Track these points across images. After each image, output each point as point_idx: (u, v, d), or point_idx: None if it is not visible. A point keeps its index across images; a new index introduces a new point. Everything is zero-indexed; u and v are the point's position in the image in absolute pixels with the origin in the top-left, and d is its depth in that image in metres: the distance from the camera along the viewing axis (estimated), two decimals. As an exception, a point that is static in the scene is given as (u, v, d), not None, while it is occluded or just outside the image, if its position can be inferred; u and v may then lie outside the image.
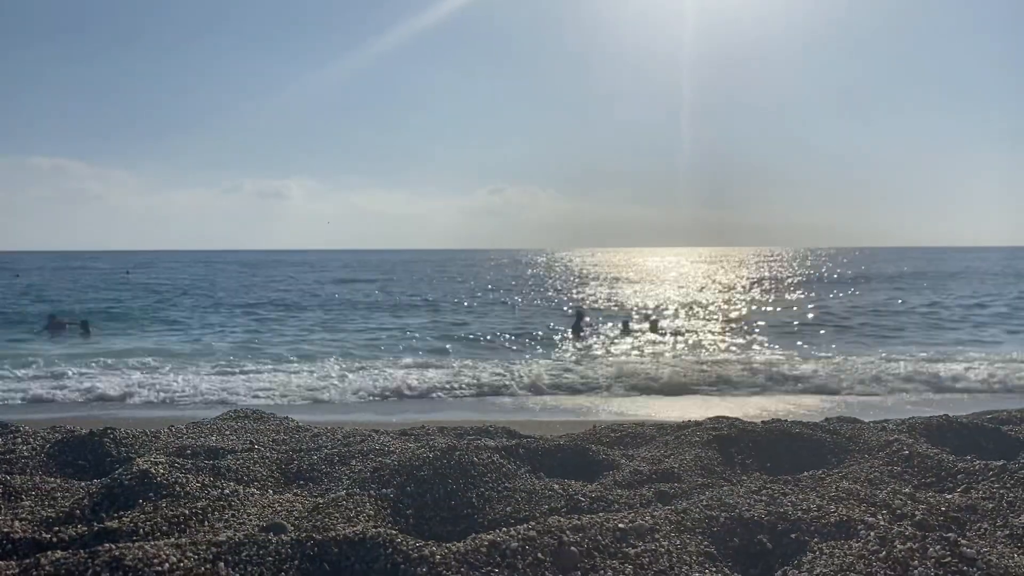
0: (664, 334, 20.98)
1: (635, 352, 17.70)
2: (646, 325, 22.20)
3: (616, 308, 28.38)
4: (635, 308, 28.24)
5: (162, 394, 12.29)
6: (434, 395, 12.43)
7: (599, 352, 17.63)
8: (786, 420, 3.28)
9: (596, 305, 30.37)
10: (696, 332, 21.14)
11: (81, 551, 1.73)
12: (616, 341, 19.59)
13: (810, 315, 26.10)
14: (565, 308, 28.92)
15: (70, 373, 13.81)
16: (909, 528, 2.00)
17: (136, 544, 1.76)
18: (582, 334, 20.53)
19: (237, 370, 14.58)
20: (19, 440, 3.01)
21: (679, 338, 20.18)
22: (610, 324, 22.90)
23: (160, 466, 2.42)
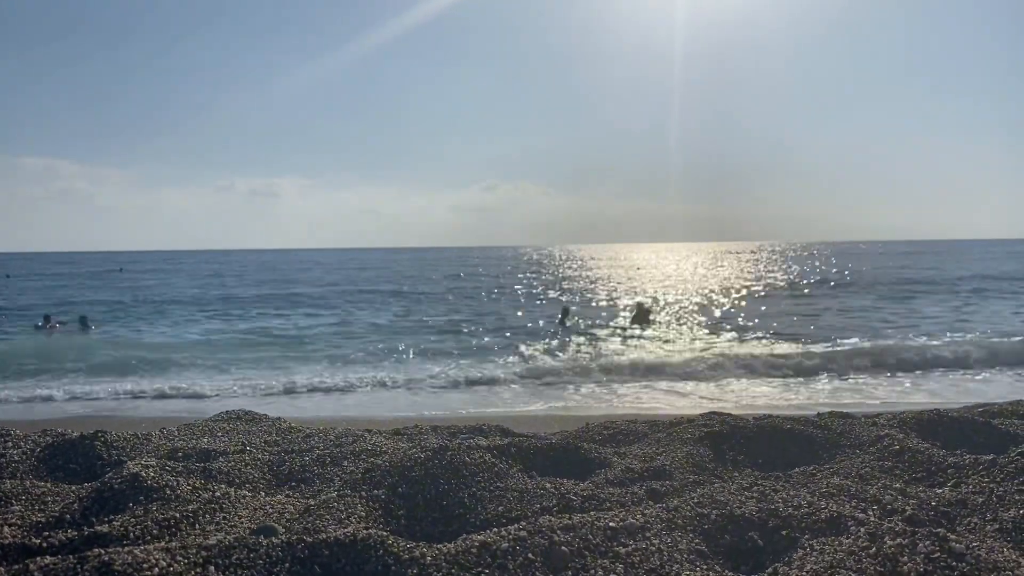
0: (652, 325, 21.08)
1: (625, 343, 17.75)
2: (651, 317, 22.29)
3: (629, 304, 28.22)
4: (634, 302, 28.23)
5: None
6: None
7: (588, 344, 17.68)
8: (778, 416, 3.28)
9: (603, 301, 30.29)
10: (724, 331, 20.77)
11: (70, 556, 1.73)
12: (602, 333, 19.68)
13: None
14: (554, 297, 28.98)
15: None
16: (899, 524, 2.00)
17: (126, 549, 1.75)
18: (567, 327, 20.97)
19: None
20: (9, 444, 2.99)
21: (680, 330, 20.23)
22: (605, 316, 23.02)
23: (151, 469, 2.41)
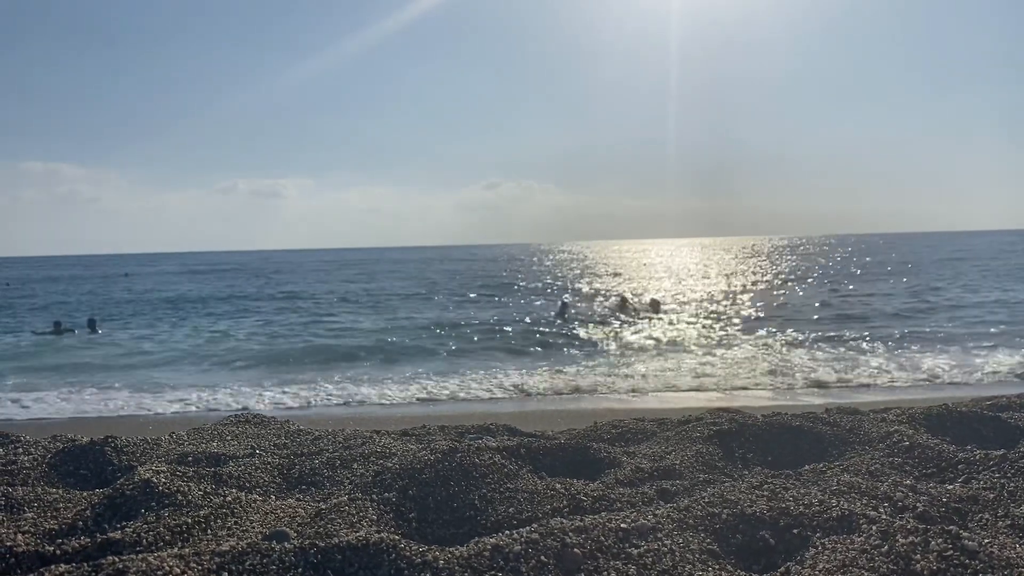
0: (657, 316, 21.21)
1: (628, 340, 17.77)
2: (647, 306, 22.39)
3: (636, 300, 28.02)
4: (637, 293, 28.11)
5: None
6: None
7: (590, 342, 17.71)
8: (786, 413, 3.28)
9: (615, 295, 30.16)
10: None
11: (85, 564, 1.73)
12: (604, 329, 19.76)
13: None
14: (560, 297, 28.99)
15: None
16: (911, 521, 2.00)
17: (140, 556, 1.76)
18: (566, 318, 21.27)
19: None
20: (20, 450, 3.01)
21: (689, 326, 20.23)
22: (601, 309, 23.11)
23: (162, 475, 2.42)
